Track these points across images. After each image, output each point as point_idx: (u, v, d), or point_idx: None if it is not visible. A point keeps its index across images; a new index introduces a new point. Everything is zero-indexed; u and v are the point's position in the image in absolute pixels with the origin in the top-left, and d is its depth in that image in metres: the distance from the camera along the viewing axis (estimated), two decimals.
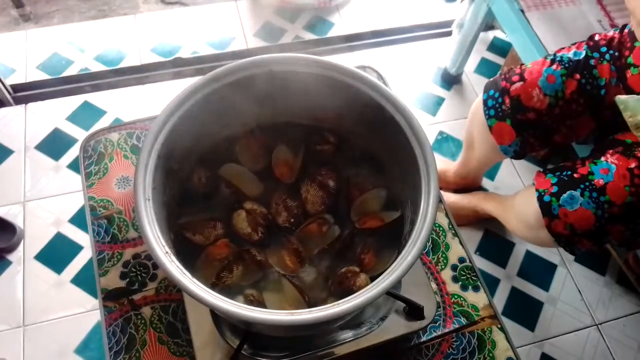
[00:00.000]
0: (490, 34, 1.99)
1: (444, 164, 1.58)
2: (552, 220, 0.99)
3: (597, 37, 1.06)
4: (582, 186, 0.97)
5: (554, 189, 1.00)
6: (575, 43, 1.10)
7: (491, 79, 1.15)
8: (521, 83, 1.07)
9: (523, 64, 1.11)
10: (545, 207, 1.00)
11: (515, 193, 1.21)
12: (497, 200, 1.36)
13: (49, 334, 1.30)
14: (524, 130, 1.09)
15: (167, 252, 0.58)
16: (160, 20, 1.92)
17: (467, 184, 1.55)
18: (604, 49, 1.03)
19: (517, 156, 1.15)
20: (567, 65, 1.04)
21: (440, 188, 1.42)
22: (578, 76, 1.03)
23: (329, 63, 0.72)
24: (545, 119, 1.06)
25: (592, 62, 1.03)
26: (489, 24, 1.94)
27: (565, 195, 0.98)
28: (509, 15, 1.40)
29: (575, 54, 1.06)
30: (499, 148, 1.14)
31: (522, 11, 1.37)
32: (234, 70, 0.70)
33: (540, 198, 1.01)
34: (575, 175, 0.99)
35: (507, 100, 1.08)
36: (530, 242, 1.17)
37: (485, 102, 1.12)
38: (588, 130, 1.09)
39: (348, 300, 0.57)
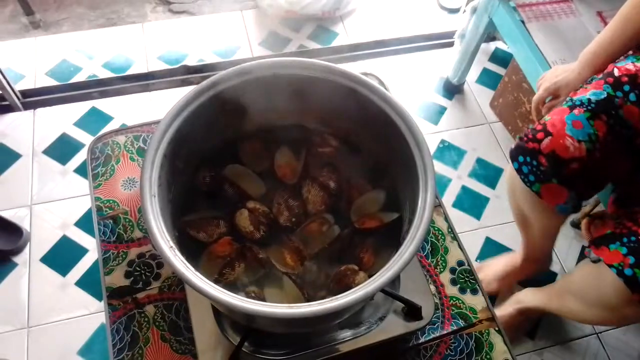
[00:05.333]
0: (492, 45, 2.01)
1: (507, 258, 1.44)
2: None
3: (616, 73, 0.98)
4: None
5: (631, 260, 0.90)
6: (591, 82, 1.02)
7: (512, 147, 1.04)
8: (549, 138, 0.97)
9: (541, 120, 1.03)
10: (632, 282, 0.90)
11: (565, 277, 1.10)
12: (543, 292, 1.26)
13: (53, 335, 1.32)
14: (574, 182, 0.99)
15: (171, 247, 0.60)
16: (168, 29, 1.96)
17: (538, 269, 1.41)
18: (627, 87, 0.95)
19: (575, 210, 1.05)
20: (588, 107, 0.97)
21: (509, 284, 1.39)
22: (604, 117, 0.95)
23: (331, 67, 0.74)
24: (590, 165, 0.96)
25: (617, 101, 0.95)
26: (490, 35, 1.96)
27: None
28: (510, 27, 1.42)
29: (594, 94, 0.98)
30: (556, 209, 1.03)
31: (523, 22, 1.40)
32: (239, 72, 0.73)
33: (621, 274, 0.91)
34: None
35: (543, 160, 0.98)
36: (606, 324, 1.05)
37: (519, 171, 1.02)
38: (624, 171, 1.02)
39: (346, 294, 0.58)
